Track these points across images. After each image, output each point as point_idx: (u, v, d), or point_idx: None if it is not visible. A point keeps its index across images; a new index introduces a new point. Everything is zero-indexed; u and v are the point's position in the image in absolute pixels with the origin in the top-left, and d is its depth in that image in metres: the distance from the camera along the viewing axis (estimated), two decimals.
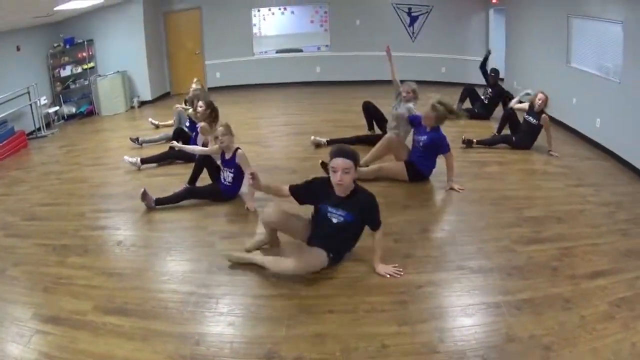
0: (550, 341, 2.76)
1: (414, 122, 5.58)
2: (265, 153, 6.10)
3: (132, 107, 11.13)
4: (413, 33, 11.93)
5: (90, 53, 10.97)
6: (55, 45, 10.67)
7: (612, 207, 4.92)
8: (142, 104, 11.29)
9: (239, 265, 3.63)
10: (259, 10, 11.81)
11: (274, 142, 7.21)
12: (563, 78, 8.09)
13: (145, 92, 11.36)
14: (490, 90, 8.48)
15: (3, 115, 8.45)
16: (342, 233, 3.45)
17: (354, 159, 3.21)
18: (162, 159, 6.27)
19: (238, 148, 4.74)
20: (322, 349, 2.74)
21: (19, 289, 3.53)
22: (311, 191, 3.53)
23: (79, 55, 10.87)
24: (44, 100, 9.67)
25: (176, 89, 11.86)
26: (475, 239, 4.15)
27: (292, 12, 11.80)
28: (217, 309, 3.18)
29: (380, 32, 11.12)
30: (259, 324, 3.01)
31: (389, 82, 6.62)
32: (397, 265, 3.58)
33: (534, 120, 6.66)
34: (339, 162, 3.16)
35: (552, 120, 7.77)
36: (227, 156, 4.79)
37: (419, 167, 5.44)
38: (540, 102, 6.62)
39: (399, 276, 3.46)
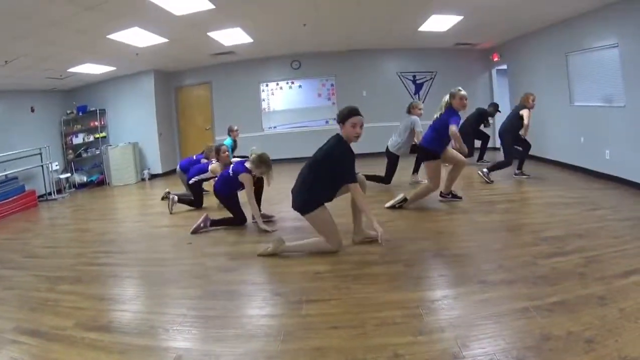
0: (593, 334, 2.47)
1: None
2: (272, 209, 6.02)
3: (143, 179, 11.31)
4: (420, 100, 12.07)
5: (102, 123, 11.43)
6: (69, 112, 11.30)
7: (634, 220, 4.70)
8: (153, 176, 11.46)
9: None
10: (267, 85, 12.11)
11: (283, 200, 6.99)
12: (569, 119, 8.12)
13: (156, 165, 11.58)
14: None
15: (14, 171, 8.91)
16: None
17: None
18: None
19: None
20: None
21: (6, 307, 3.52)
22: (353, 159, 4.07)
23: (91, 124, 11.36)
24: (55, 166, 10.08)
25: None
26: (494, 258, 3.87)
27: (300, 86, 12.03)
28: (206, 327, 2.94)
29: (387, 101, 11.34)
30: (251, 340, 2.73)
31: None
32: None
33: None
34: (359, 118, 3.96)
35: (560, 164, 7.66)
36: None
37: None
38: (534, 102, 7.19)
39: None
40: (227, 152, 6.55)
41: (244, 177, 5.28)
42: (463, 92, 5.63)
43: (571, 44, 7.82)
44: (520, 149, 7.47)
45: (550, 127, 8.68)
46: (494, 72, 11.83)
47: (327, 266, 3.86)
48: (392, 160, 7.15)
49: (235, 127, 8.70)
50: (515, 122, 7.22)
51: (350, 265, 3.85)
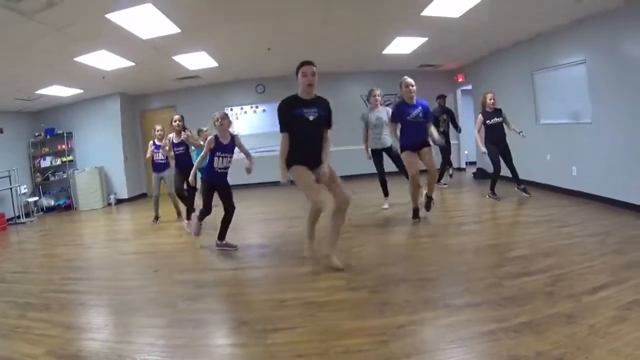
0: (562, 353, 2.42)
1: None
2: (236, 236, 5.92)
3: (109, 204, 11.23)
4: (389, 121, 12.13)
5: (70, 146, 11.41)
6: (37, 134, 11.26)
7: (601, 236, 4.74)
8: (119, 201, 11.36)
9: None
10: (231, 109, 12.12)
11: (248, 226, 6.96)
12: (535, 137, 8.24)
13: (122, 190, 11.47)
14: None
15: None
16: (318, 131, 4.23)
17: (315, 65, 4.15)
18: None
19: (233, 134, 5.55)
20: None
21: None
22: (290, 114, 4.16)
23: (59, 147, 11.33)
24: (24, 189, 10.07)
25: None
26: (459, 281, 3.82)
27: (264, 111, 12.11)
28: (174, 357, 2.88)
29: (352, 125, 11.17)
30: None
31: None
32: None
33: (499, 118, 7.09)
34: (308, 67, 4.12)
35: (527, 182, 7.75)
36: (226, 142, 5.38)
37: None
38: (492, 101, 7.11)
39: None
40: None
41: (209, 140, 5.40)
42: (408, 80, 5.74)
43: (537, 62, 8.01)
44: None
45: (516, 146, 8.77)
46: (458, 92, 12.11)
47: (292, 294, 3.79)
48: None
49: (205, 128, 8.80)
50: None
51: (316, 293, 3.76)
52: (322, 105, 4.26)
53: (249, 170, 5.33)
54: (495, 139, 7.14)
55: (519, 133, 7.04)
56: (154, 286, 4.44)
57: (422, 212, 6.17)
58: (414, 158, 5.81)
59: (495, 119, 7.09)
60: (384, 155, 6.95)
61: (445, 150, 9.12)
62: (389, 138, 6.83)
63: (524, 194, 7.22)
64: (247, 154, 5.50)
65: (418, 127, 5.80)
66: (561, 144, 7.49)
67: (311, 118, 4.14)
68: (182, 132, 7.14)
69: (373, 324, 3.07)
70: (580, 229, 5.16)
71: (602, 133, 6.42)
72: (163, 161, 7.62)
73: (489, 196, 7.33)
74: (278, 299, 3.71)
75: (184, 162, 7.05)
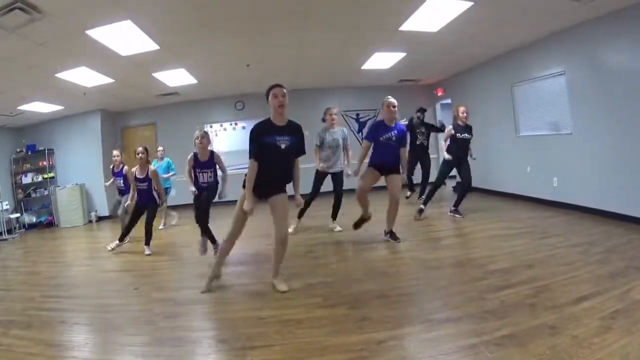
0: None
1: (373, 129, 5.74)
2: (212, 253, 5.86)
3: (90, 221, 11.18)
4: (363, 139, 12.08)
5: (51, 162, 11.33)
6: (18, 150, 11.23)
7: (585, 246, 4.75)
8: (100, 219, 11.29)
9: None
10: (211, 127, 12.08)
11: None
12: (515, 149, 8.31)
13: (103, 208, 11.34)
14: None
15: None
16: (287, 159, 4.16)
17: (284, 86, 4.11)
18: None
19: (212, 151, 5.83)
20: None
21: None
22: (262, 141, 4.06)
23: (40, 164, 11.26)
24: (5, 206, 10.03)
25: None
26: (439, 295, 3.76)
27: (243, 128, 11.99)
28: None
29: None
30: None
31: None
32: None
33: (469, 135, 6.94)
34: (278, 89, 4.05)
35: (507, 194, 7.74)
36: (204, 159, 5.72)
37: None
38: (465, 114, 6.90)
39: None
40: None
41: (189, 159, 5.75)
42: (391, 100, 5.59)
43: (516, 74, 8.10)
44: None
45: (496, 159, 8.83)
46: (438, 106, 12.22)
47: (270, 311, 3.74)
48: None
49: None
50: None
51: (294, 310, 3.71)
52: (294, 132, 4.18)
53: (221, 195, 5.69)
54: (460, 154, 6.99)
55: (472, 157, 7.14)
56: (135, 304, 4.37)
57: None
58: (372, 176, 5.70)
59: (466, 135, 6.97)
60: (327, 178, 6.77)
61: (424, 164, 9.04)
62: (339, 163, 6.65)
63: (456, 216, 7.13)
64: (223, 171, 5.74)
65: (389, 149, 5.61)
66: (541, 155, 7.54)
67: (283, 146, 4.08)
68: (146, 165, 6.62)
69: (353, 340, 3.01)
70: (562, 239, 5.15)
71: (583, 143, 6.49)
72: (123, 188, 7.56)
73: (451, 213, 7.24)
74: (256, 316, 3.66)
75: (143, 199, 6.60)
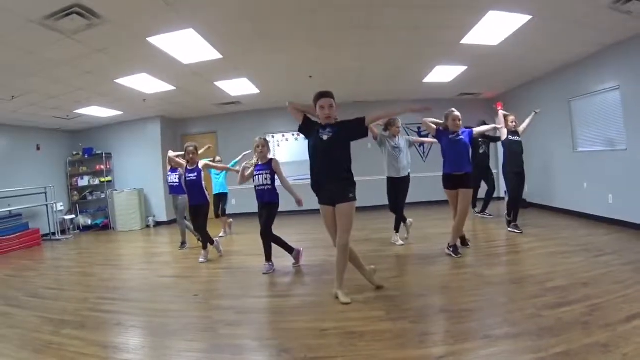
0: None
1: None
2: (275, 263, 6.16)
3: (148, 226, 11.46)
4: (424, 153, 12.41)
5: (108, 167, 11.71)
6: (75, 153, 11.61)
7: (638, 264, 4.87)
8: (158, 224, 11.55)
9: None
10: (273, 137, 12.37)
11: (287, 254, 6.76)
12: (572, 166, 8.36)
13: (161, 213, 11.65)
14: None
15: (19, 208, 9.17)
16: (333, 150, 4.27)
17: (333, 96, 4.31)
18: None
19: (272, 158, 5.98)
20: None
21: (8, 345, 3.59)
22: (309, 121, 4.50)
23: (97, 167, 11.64)
24: (60, 207, 10.42)
25: None
26: (498, 312, 3.96)
27: (305, 138, 12.05)
28: None
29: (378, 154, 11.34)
30: None
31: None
32: None
33: (519, 138, 7.11)
34: (325, 100, 4.30)
35: (565, 211, 7.77)
36: (262, 162, 5.91)
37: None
38: (514, 124, 7.17)
39: None
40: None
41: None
42: (456, 113, 5.92)
43: (573, 89, 8.17)
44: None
45: (554, 175, 8.83)
46: (497, 120, 12.05)
47: (332, 323, 3.90)
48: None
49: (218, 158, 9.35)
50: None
51: (356, 322, 3.89)
52: (338, 126, 4.37)
53: (299, 204, 5.85)
54: (515, 160, 7.18)
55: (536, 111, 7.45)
56: (193, 310, 4.57)
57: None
58: (452, 195, 6.04)
59: (517, 138, 7.20)
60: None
61: (487, 179, 9.16)
62: (407, 168, 6.90)
63: (515, 231, 7.28)
64: (282, 179, 5.96)
65: (461, 150, 5.93)
66: (597, 171, 7.58)
67: (325, 138, 4.31)
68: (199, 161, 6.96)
69: (414, 354, 3.20)
70: (616, 257, 5.27)
71: (637, 159, 6.52)
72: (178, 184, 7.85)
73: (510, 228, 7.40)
74: (318, 327, 3.81)
75: (194, 196, 6.83)
